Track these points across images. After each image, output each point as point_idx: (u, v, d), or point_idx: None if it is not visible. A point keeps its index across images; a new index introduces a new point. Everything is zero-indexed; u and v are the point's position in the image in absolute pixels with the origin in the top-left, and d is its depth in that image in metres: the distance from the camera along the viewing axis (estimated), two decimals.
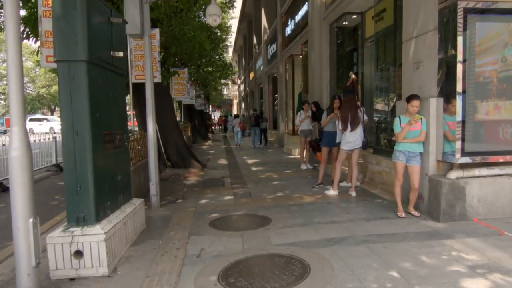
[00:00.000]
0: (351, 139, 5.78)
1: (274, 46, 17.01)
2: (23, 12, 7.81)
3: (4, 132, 29.20)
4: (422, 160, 4.62)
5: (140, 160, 7.02)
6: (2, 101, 53.77)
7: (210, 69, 33.13)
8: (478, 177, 4.42)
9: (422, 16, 4.79)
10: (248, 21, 28.84)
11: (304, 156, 9.27)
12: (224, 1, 25.78)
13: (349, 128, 5.75)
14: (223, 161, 11.30)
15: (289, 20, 13.30)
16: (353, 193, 5.95)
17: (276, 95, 18.63)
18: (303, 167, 9.06)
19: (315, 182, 7.00)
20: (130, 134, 6.72)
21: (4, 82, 50.90)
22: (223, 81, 40.18)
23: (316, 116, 8.76)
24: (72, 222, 3.44)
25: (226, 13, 32.40)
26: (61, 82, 3.37)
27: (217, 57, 30.89)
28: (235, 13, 36.29)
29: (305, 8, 10.94)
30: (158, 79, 7.89)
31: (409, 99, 4.54)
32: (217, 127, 38.90)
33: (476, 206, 4.38)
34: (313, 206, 5.41)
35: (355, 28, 8.93)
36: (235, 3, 25.91)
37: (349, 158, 6.22)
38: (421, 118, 4.53)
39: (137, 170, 6.42)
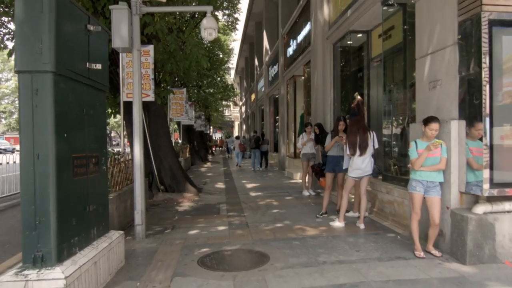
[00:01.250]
0: (360, 165, 5.22)
1: (275, 67, 16.70)
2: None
3: (12, 151, 28.45)
4: (442, 191, 4.05)
5: (128, 185, 6.45)
6: (3, 120, 53.68)
7: (211, 90, 33.08)
8: (509, 212, 3.83)
9: (439, 30, 4.32)
10: (250, 43, 28.84)
11: (307, 181, 8.68)
12: (226, 24, 25.86)
13: (357, 153, 5.20)
14: (220, 185, 10.71)
15: (291, 41, 12.99)
16: (362, 226, 5.33)
17: (277, 117, 18.19)
18: (305, 193, 8.46)
19: (318, 211, 6.40)
20: (118, 156, 6.19)
21: (6, 101, 50.93)
22: (224, 102, 40.12)
23: (319, 139, 8.24)
24: (28, 263, 2.85)
25: (228, 35, 32.66)
26: (21, 96, 2.86)
27: (219, 78, 30.86)
28: (237, 35, 36.62)
29: (307, 27, 10.62)
30: (151, 97, 7.44)
31: (427, 121, 4.01)
32: (217, 149, 38.35)
33: (508, 246, 3.77)
34: (317, 240, 4.79)
35: (360, 48, 8.53)
36: (237, 25, 26.02)
37: (357, 186, 5.65)
38: (441, 144, 3.98)
39: (124, 196, 5.84)
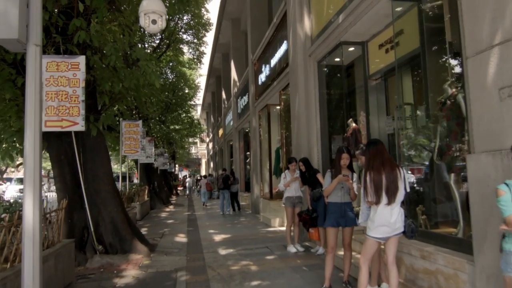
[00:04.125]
0: (389, 219, 3.40)
1: (245, 98, 15.13)
2: None
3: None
4: None
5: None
6: None
7: (176, 126, 31.11)
8: None
9: None
10: (217, 77, 27.53)
11: (292, 232, 6.77)
12: (192, 57, 24.48)
13: (384, 200, 3.40)
14: (181, 238, 8.53)
15: (263, 66, 11.50)
16: None
17: (248, 153, 16.43)
18: (291, 249, 6.50)
19: (317, 283, 4.48)
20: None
21: None
22: (191, 139, 38.08)
23: (306, 178, 6.46)
24: None
25: (194, 69, 31.33)
26: None
27: (184, 114, 29.04)
28: (203, 69, 35.44)
29: (283, 47, 9.14)
30: (79, 126, 5.42)
31: None
32: (180, 188, 35.67)
33: None
34: None
35: (350, 65, 7.04)
36: (202, 59, 24.70)
37: (378, 250, 3.82)
38: None
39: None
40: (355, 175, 4.53)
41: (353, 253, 4.65)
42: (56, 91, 5.29)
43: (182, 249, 7.26)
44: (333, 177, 4.41)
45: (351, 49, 6.54)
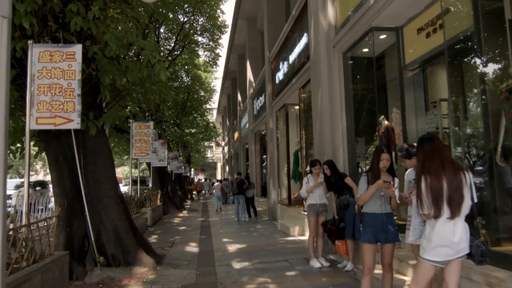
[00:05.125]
0: (451, 237, 2.60)
1: (261, 98, 14.44)
2: None
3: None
4: None
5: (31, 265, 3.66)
6: None
7: (192, 130, 30.71)
8: None
9: None
10: (232, 79, 26.97)
11: (315, 244, 5.98)
12: (207, 60, 24.02)
13: (445, 213, 2.61)
14: (192, 248, 7.84)
15: (281, 64, 10.78)
16: None
17: (265, 156, 15.71)
18: (315, 264, 5.70)
19: None
20: None
21: None
22: (206, 143, 37.58)
23: (331, 184, 5.69)
24: None
25: (209, 72, 30.92)
26: None
27: (199, 117, 28.58)
28: (219, 72, 35.02)
29: (303, 41, 8.40)
30: (75, 123, 4.80)
31: None
32: (203, 192, 35.03)
33: None
34: None
35: (380, 56, 6.24)
36: (218, 62, 24.20)
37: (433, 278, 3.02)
38: None
39: None
40: (396, 180, 3.74)
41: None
42: (49, 84, 4.69)
43: (193, 261, 6.56)
44: (370, 182, 3.63)
45: (383, 36, 5.75)
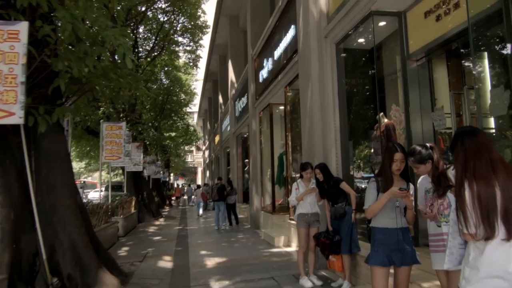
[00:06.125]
0: (505, 265, 1.90)
1: (244, 99, 13.69)
2: None
3: None
4: None
5: None
6: None
7: (172, 134, 29.63)
8: None
9: None
10: (213, 81, 26.14)
11: (304, 258, 5.22)
12: (188, 61, 23.18)
13: (500, 233, 1.90)
14: (166, 263, 6.95)
15: (265, 61, 10.07)
16: None
17: (247, 160, 14.94)
18: (306, 283, 4.92)
19: None
20: None
21: None
22: (187, 147, 36.46)
23: (324, 190, 4.98)
24: None
25: (190, 74, 29.99)
26: None
27: (180, 121, 27.63)
28: (199, 74, 34.10)
29: (290, 33, 7.71)
30: (16, 118, 3.93)
31: None
32: (181, 198, 33.82)
33: None
34: None
35: (378, 46, 5.59)
36: (199, 64, 23.41)
37: None
38: None
39: None
40: (412, 187, 3.05)
41: None
42: None
43: (165, 279, 5.70)
44: (381, 189, 2.92)
45: (382, 23, 5.11)
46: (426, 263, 3.10)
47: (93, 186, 32.64)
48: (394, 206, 2.87)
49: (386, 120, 5.12)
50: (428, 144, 2.87)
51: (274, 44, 9.05)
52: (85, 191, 24.71)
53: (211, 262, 6.75)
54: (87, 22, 4.68)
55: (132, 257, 7.44)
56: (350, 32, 5.51)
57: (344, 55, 6.08)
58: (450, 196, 2.63)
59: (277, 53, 8.78)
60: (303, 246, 5.06)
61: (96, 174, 39.65)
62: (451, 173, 2.56)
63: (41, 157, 5.22)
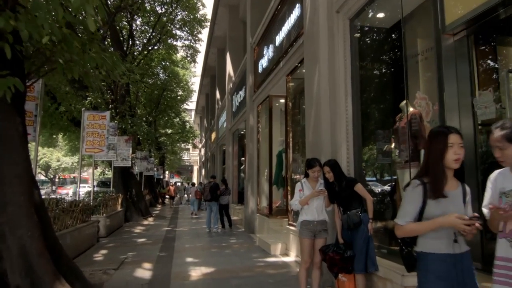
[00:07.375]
0: None
1: (241, 92, 12.76)
2: None
3: None
4: None
5: None
6: None
7: (168, 131, 28.68)
8: None
9: None
10: (211, 76, 25.23)
11: (307, 275, 4.28)
12: (185, 55, 22.37)
13: None
14: (144, 272, 6.00)
15: (265, 49, 9.15)
16: None
17: (243, 158, 14.02)
18: None
19: None
20: None
21: None
22: (183, 145, 35.47)
23: (335, 192, 4.06)
24: None
25: (188, 70, 29.07)
26: None
27: (176, 117, 26.80)
28: (197, 69, 33.19)
29: (295, 13, 6.78)
30: None
31: None
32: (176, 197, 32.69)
33: None
34: None
35: (397, 23, 4.66)
36: (197, 58, 22.57)
37: None
38: None
39: None
40: (468, 191, 2.11)
41: None
42: None
43: None
44: (427, 195, 1.98)
45: None
46: None
47: (86, 182, 31.75)
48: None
49: (411, 109, 4.19)
50: None
51: (276, 28, 8.12)
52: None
53: (196, 272, 5.80)
54: None
55: (108, 263, 6.50)
56: (367, 4, 4.58)
57: (359, 30, 5.15)
58: None
59: (279, 38, 7.85)
60: (307, 261, 4.11)
61: (91, 170, 38.71)
62: None
63: None
